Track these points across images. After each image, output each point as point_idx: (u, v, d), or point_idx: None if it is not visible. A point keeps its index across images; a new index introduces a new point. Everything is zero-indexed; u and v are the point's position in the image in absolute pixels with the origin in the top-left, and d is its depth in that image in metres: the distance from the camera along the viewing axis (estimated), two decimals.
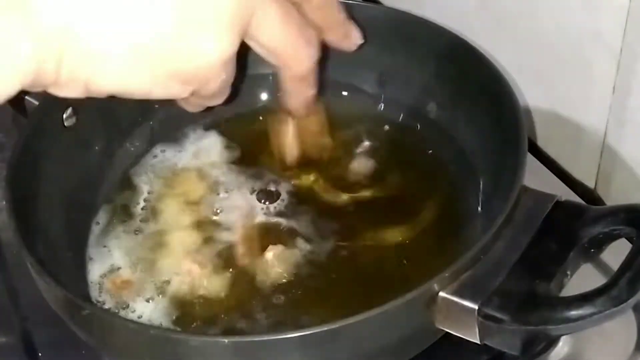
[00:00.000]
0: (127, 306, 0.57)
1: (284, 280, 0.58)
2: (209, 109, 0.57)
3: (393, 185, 0.64)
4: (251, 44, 0.49)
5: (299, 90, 0.54)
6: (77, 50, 0.43)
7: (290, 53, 0.51)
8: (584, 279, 0.51)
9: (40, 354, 0.59)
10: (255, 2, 0.47)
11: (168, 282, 0.58)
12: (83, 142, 0.63)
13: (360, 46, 0.66)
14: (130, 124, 0.67)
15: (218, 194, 0.64)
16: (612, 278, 0.46)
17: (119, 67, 0.45)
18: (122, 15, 0.44)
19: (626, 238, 0.51)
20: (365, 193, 0.63)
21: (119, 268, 0.59)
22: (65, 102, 0.62)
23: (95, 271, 0.59)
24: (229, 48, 0.46)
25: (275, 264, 0.58)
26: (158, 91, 0.47)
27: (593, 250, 0.51)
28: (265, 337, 0.48)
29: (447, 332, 0.50)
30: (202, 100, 0.52)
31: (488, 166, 0.60)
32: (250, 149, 0.67)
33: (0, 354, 0.60)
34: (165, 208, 0.63)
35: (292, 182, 0.64)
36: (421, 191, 0.63)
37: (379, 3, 0.81)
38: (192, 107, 0.55)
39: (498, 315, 0.47)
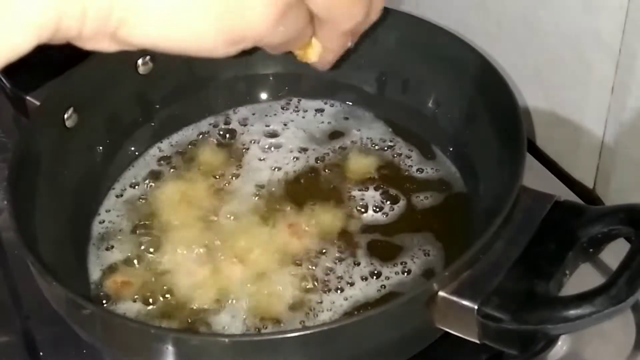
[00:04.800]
0: (128, 305, 0.57)
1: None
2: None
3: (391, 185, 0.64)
4: None
5: (339, 45, 0.51)
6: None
7: (345, 8, 0.47)
8: (582, 278, 0.51)
9: (41, 353, 0.59)
10: None
11: (168, 281, 0.58)
12: (84, 143, 0.64)
13: (361, 46, 0.66)
14: (131, 125, 0.67)
15: (219, 194, 0.64)
16: (611, 278, 0.47)
17: (158, 16, 0.40)
18: None
19: (625, 238, 0.51)
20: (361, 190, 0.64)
21: (119, 267, 0.59)
22: (66, 103, 0.62)
23: (96, 270, 0.60)
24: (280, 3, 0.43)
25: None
26: (199, 47, 0.42)
27: (592, 250, 0.51)
28: (265, 337, 0.48)
29: (447, 332, 0.50)
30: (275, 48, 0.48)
31: (487, 166, 0.61)
32: None
33: (2, 353, 0.60)
34: (166, 207, 0.63)
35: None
36: (420, 191, 0.64)
37: None
38: (272, 51, 0.49)
39: (497, 314, 0.47)
